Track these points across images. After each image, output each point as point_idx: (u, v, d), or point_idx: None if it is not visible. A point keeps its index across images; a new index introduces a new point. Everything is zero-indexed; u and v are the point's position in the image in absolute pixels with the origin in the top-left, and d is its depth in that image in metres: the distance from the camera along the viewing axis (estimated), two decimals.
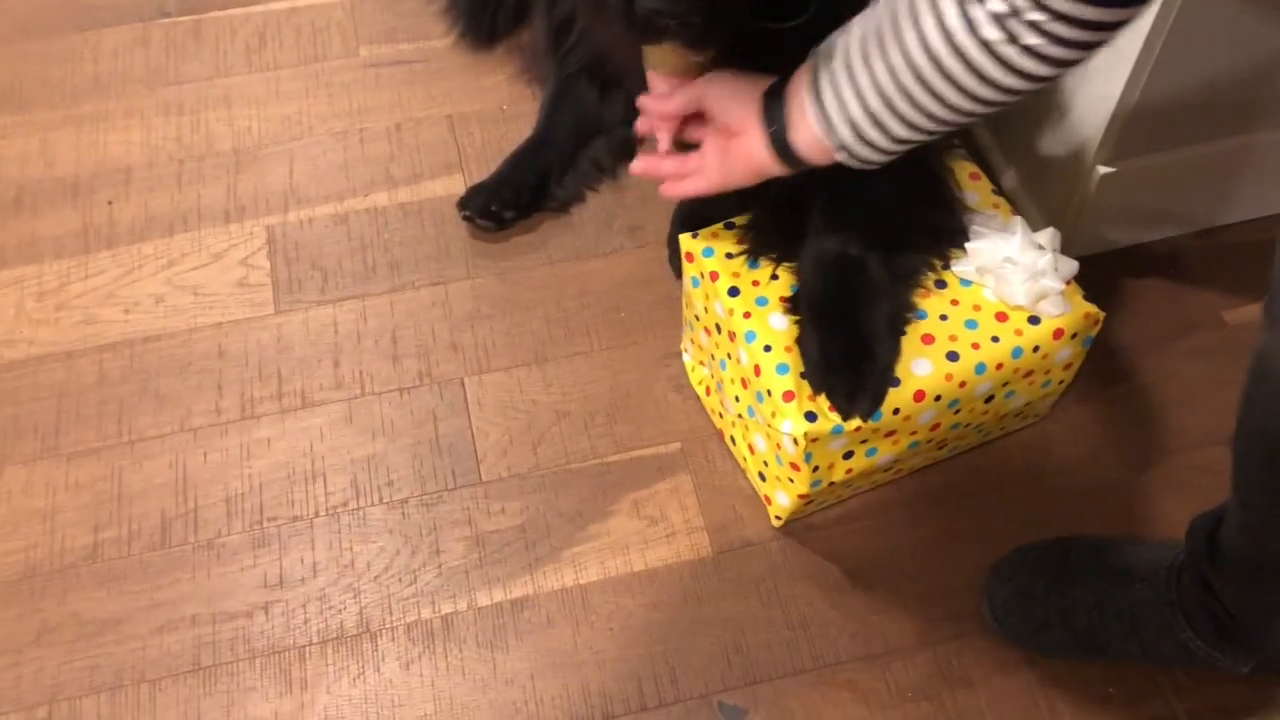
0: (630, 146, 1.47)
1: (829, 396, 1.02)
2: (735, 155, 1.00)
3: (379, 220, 1.42)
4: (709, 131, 1.04)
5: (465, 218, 1.40)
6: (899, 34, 0.82)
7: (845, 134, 0.89)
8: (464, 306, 1.34)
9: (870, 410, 1.02)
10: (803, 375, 1.04)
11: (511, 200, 1.40)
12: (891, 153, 0.91)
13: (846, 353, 1.03)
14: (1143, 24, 1.10)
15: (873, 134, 0.88)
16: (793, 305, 1.09)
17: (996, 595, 1.12)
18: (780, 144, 0.95)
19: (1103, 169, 1.25)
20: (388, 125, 1.51)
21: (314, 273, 1.37)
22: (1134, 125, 1.21)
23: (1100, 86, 1.20)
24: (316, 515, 1.20)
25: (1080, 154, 1.26)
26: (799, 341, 1.06)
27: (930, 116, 0.85)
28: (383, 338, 1.32)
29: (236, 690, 1.09)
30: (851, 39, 0.88)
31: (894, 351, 1.06)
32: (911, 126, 0.87)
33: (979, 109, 0.84)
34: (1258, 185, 1.36)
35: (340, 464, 1.23)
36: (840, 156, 0.92)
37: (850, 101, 0.88)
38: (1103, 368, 1.28)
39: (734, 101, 0.99)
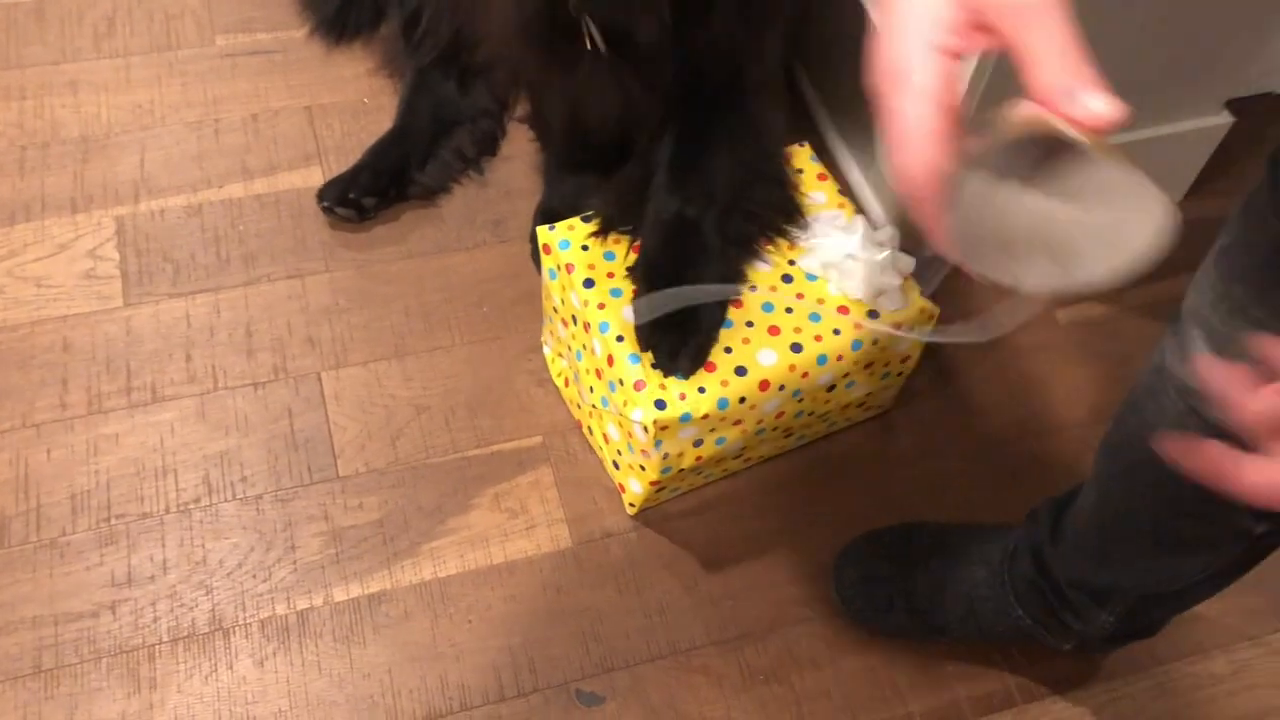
0: (493, 138, 1.48)
1: (653, 354, 1.06)
2: None
3: (234, 212, 1.39)
4: None
5: (324, 208, 1.39)
6: None
7: None
8: (321, 300, 1.33)
9: (691, 369, 1.06)
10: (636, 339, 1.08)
11: (370, 187, 1.39)
12: None
13: (672, 312, 1.06)
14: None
15: None
16: (631, 270, 1.12)
17: (843, 579, 1.17)
18: None
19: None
20: (244, 116, 1.48)
21: (165, 265, 1.34)
22: (970, 133, 1.27)
23: None
24: (167, 512, 1.17)
25: None
26: (633, 299, 1.09)
27: None
28: (237, 331, 1.30)
29: (81, 692, 1.06)
30: None
31: (719, 315, 1.09)
32: None
33: None
34: None
35: (192, 460, 1.20)
36: None
37: None
38: (944, 362, 1.34)
39: None
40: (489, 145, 1.48)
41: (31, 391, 1.23)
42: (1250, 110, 1.58)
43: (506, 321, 1.34)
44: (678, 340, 1.06)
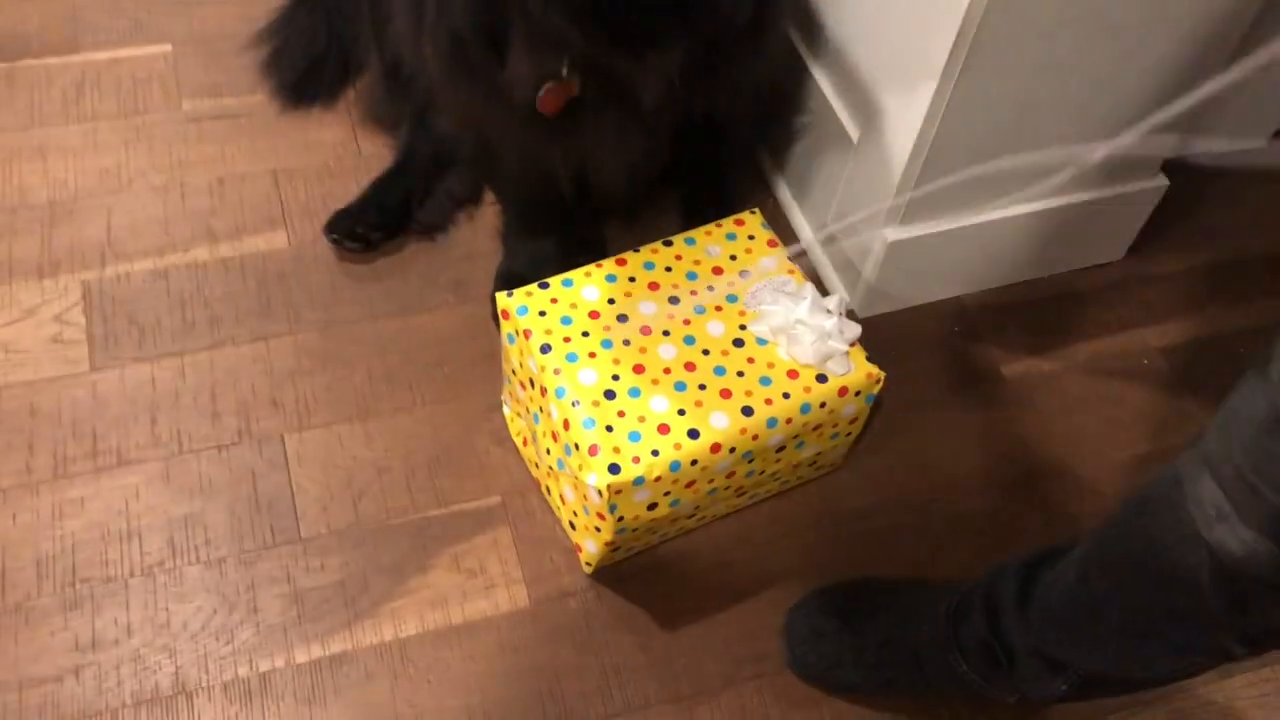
0: (478, 186, 1.53)
1: None
2: None
3: (199, 275, 1.42)
4: None
5: (333, 240, 1.44)
6: None
7: None
8: (285, 362, 1.36)
9: None
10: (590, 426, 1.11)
11: (376, 222, 1.45)
12: None
13: None
14: (920, 106, 1.21)
15: None
16: None
17: (793, 635, 1.20)
18: None
19: (891, 234, 1.36)
20: (210, 179, 1.52)
21: (131, 329, 1.36)
22: (916, 198, 1.32)
23: (885, 164, 1.31)
24: (131, 575, 1.19)
25: (870, 220, 1.37)
26: None
27: None
28: (201, 394, 1.32)
29: None
30: None
31: None
32: None
33: None
34: (1031, 250, 1.49)
35: (156, 523, 1.23)
36: None
37: None
38: (892, 419, 1.38)
39: None
40: (478, 188, 1.54)
41: None
42: (1187, 170, 1.64)
43: (467, 381, 1.37)
44: None
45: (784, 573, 1.26)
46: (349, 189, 1.51)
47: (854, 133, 1.37)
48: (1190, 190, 1.62)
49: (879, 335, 1.44)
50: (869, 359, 1.19)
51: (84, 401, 1.30)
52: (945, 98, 1.19)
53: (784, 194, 1.57)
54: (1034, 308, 1.51)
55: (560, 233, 1.41)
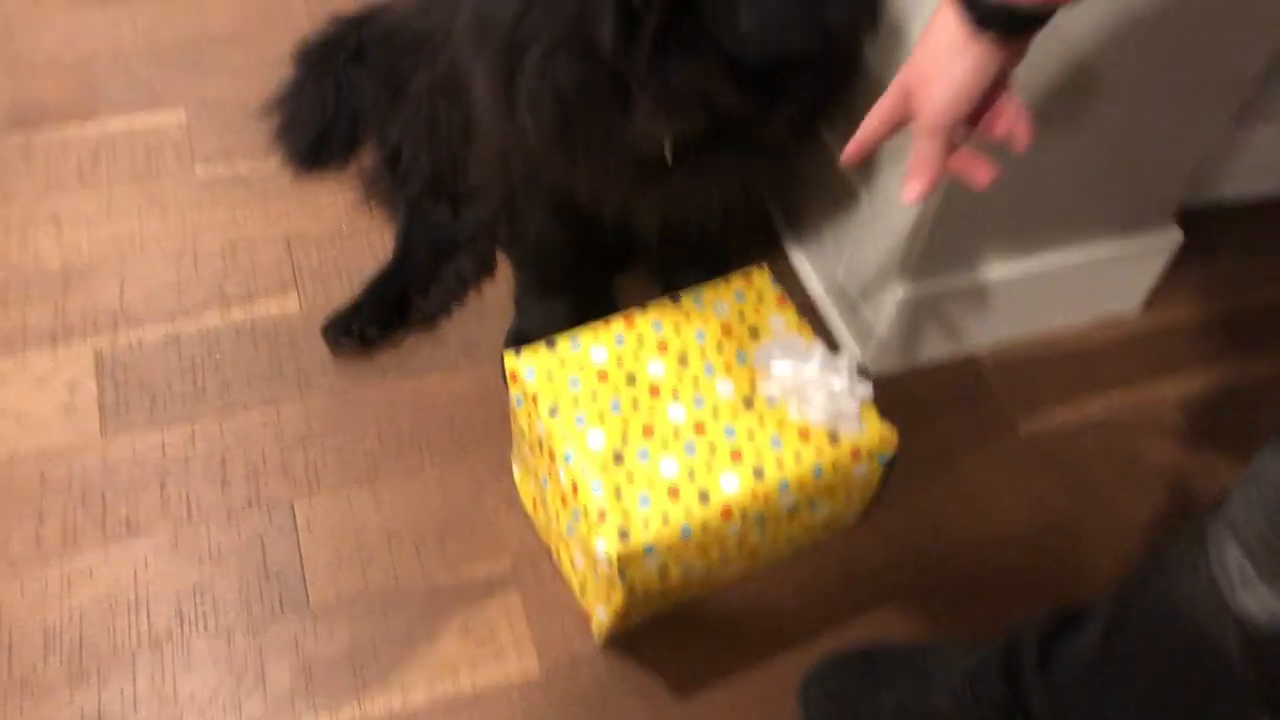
0: (491, 258, 1.53)
1: None
2: (927, 62, 0.89)
3: (210, 340, 1.42)
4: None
5: (330, 341, 1.42)
6: None
7: None
8: (296, 426, 1.36)
9: None
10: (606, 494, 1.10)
11: (372, 317, 1.43)
12: None
13: None
14: None
15: None
16: None
17: (809, 701, 1.17)
18: None
19: (902, 292, 1.35)
20: (222, 244, 1.52)
21: (143, 395, 1.37)
22: (928, 254, 1.31)
23: (896, 220, 1.30)
24: (139, 646, 1.18)
25: (881, 277, 1.36)
26: None
27: None
28: (211, 461, 1.32)
29: None
30: None
31: None
32: None
33: None
34: (1046, 304, 1.48)
35: (165, 592, 1.22)
36: None
37: None
38: (907, 476, 1.36)
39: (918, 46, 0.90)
40: (487, 266, 1.53)
41: (8, 526, 1.25)
42: (1202, 220, 1.63)
43: (478, 442, 1.36)
44: None
45: (799, 635, 1.24)
46: (361, 251, 1.52)
47: (863, 190, 1.36)
48: (1206, 241, 1.62)
49: (893, 391, 1.43)
50: (882, 418, 1.18)
51: (94, 469, 1.30)
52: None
53: (793, 248, 1.56)
54: (1050, 362, 1.50)
55: (574, 291, 1.41)
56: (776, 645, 1.23)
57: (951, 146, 0.92)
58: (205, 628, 1.20)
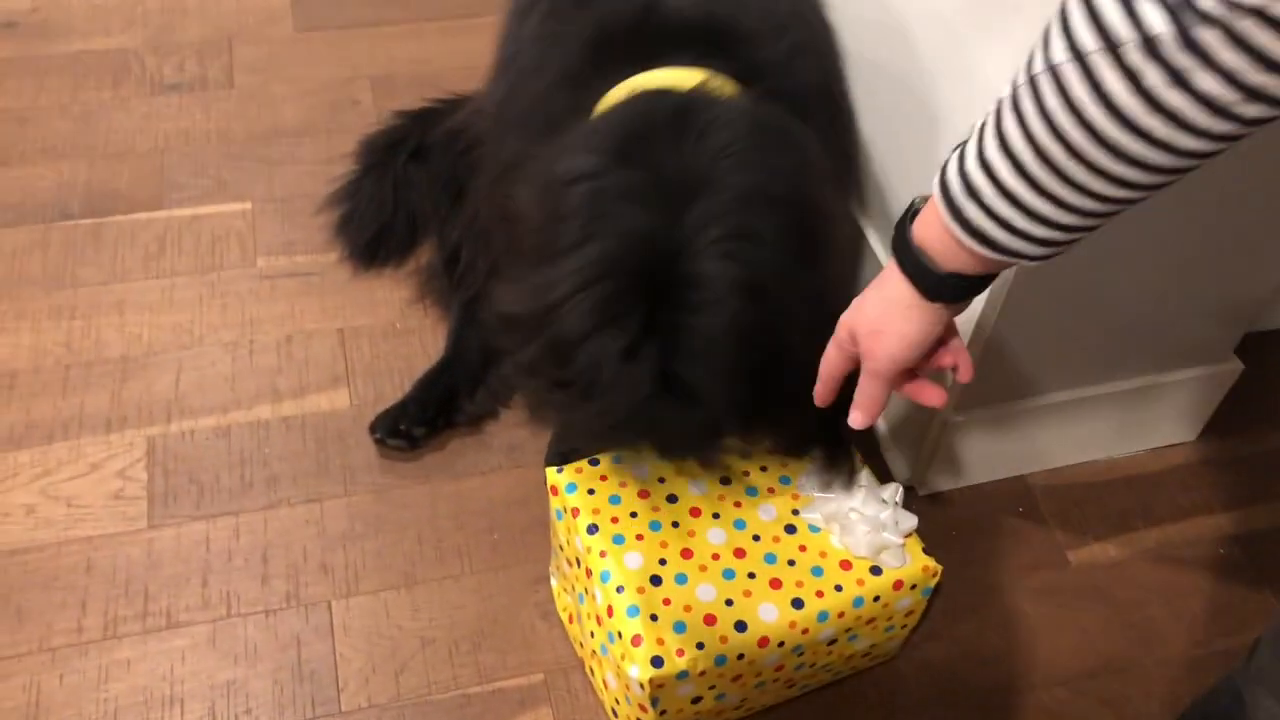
0: None
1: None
2: (877, 319, 0.93)
3: (260, 434, 1.44)
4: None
5: (377, 440, 1.44)
6: (1031, 58, 0.69)
7: (968, 208, 0.77)
8: (338, 525, 1.36)
9: None
10: None
11: (419, 418, 1.44)
12: (1041, 239, 0.75)
13: None
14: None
15: (998, 205, 0.75)
16: None
17: None
18: (904, 249, 0.86)
19: (951, 416, 1.33)
20: (278, 337, 1.55)
21: (191, 486, 1.38)
22: (979, 380, 1.29)
23: None
24: None
25: None
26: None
27: (1070, 180, 0.69)
28: (253, 556, 1.33)
29: None
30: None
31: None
32: (1044, 193, 0.71)
33: (1138, 174, 0.67)
34: (1099, 430, 1.45)
35: (199, 689, 1.22)
36: (974, 244, 0.79)
37: (969, 157, 0.76)
38: (952, 605, 1.34)
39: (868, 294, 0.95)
40: None
41: (51, 613, 1.27)
42: (1264, 347, 1.60)
43: (516, 550, 1.36)
44: None
45: None
46: (413, 348, 1.54)
47: None
48: (1267, 368, 1.58)
49: (939, 515, 1.41)
50: (926, 550, 1.16)
51: (139, 560, 1.32)
52: (1006, 283, 1.18)
53: None
54: (1102, 489, 1.46)
55: None
56: None
57: (898, 384, 0.99)
58: None
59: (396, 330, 1.57)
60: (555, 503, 1.20)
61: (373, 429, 1.44)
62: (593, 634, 1.17)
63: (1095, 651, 1.32)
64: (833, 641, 1.15)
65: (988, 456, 1.42)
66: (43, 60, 1.93)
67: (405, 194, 1.62)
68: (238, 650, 1.25)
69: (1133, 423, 1.46)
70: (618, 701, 1.15)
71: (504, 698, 1.23)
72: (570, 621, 1.27)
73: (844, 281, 1.33)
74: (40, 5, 2.03)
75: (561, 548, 1.23)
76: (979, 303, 1.20)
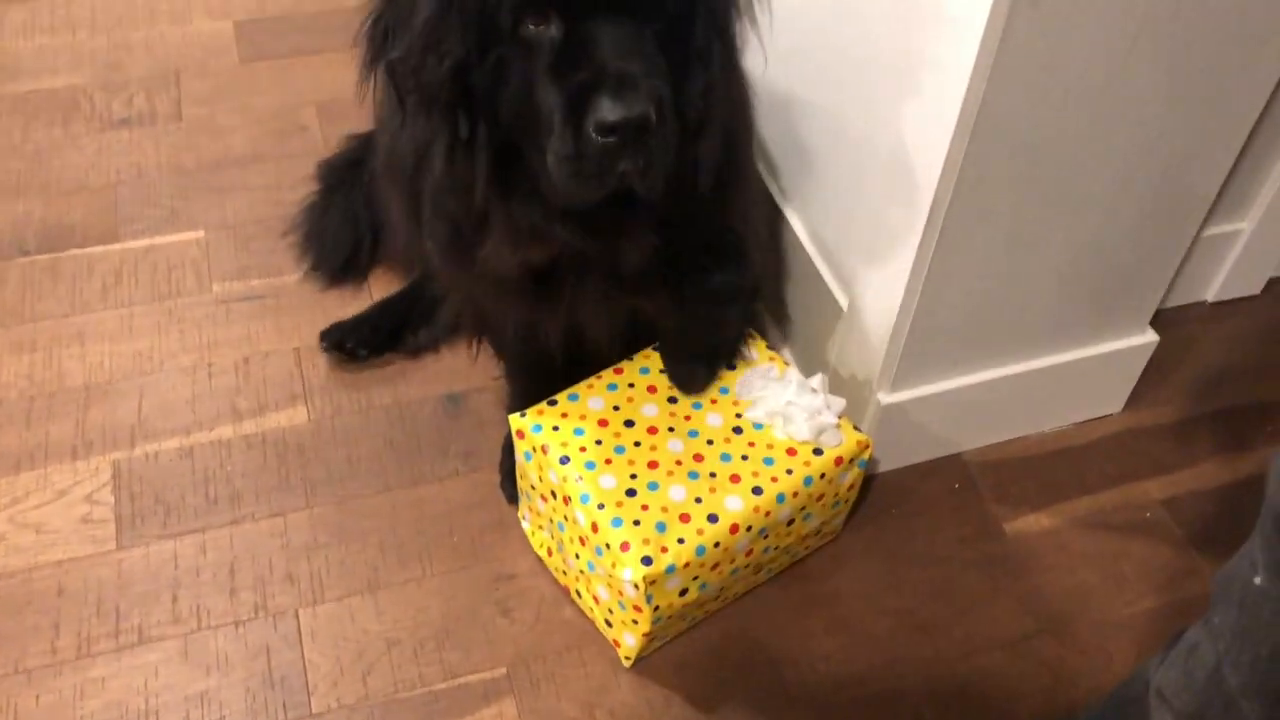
0: None
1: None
2: None
3: (222, 452, 1.49)
4: None
5: (324, 349, 1.58)
6: None
7: None
8: (302, 536, 1.41)
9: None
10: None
11: (367, 338, 1.59)
12: None
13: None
14: (900, 276, 1.26)
15: None
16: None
17: None
18: None
19: (884, 398, 1.40)
20: (236, 359, 1.60)
21: (157, 507, 1.43)
22: (906, 362, 1.36)
23: (874, 330, 1.35)
24: None
25: (866, 385, 1.41)
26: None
27: None
28: (221, 571, 1.37)
29: None
30: None
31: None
32: None
33: None
34: (1027, 406, 1.52)
35: (174, 701, 1.26)
36: None
37: None
38: (894, 579, 1.40)
39: None
40: None
41: (25, 637, 1.31)
42: (1185, 318, 1.68)
43: (476, 550, 1.41)
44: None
45: (799, 651, 1.32)
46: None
47: (843, 300, 1.42)
48: (1188, 338, 1.66)
49: (880, 493, 1.47)
50: (856, 428, 1.32)
51: (109, 580, 1.36)
52: (924, 268, 1.24)
53: (783, 351, 1.62)
54: (1034, 462, 1.53)
55: (555, 378, 1.47)
56: (784, 661, 1.31)
57: None
58: None
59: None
60: (522, 445, 1.30)
61: (321, 339, 1.57)
62: (578, 555, 1.26)
63: (1032, 615, 1.38)
64: (790, 521, 1.28)
65: (923, 436, 1.49)
66: None
67: (371, 212, 1.67)
68: (209, 661, 1.30)
69: (1061, 397, 1.53)
70: (610, 611, 1.25)
71: (469, 692, 1.28)
72: (549, 555, 1.37)
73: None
74: None
75: (533, 487, 1.32)
76: (899, 289, 1.27)
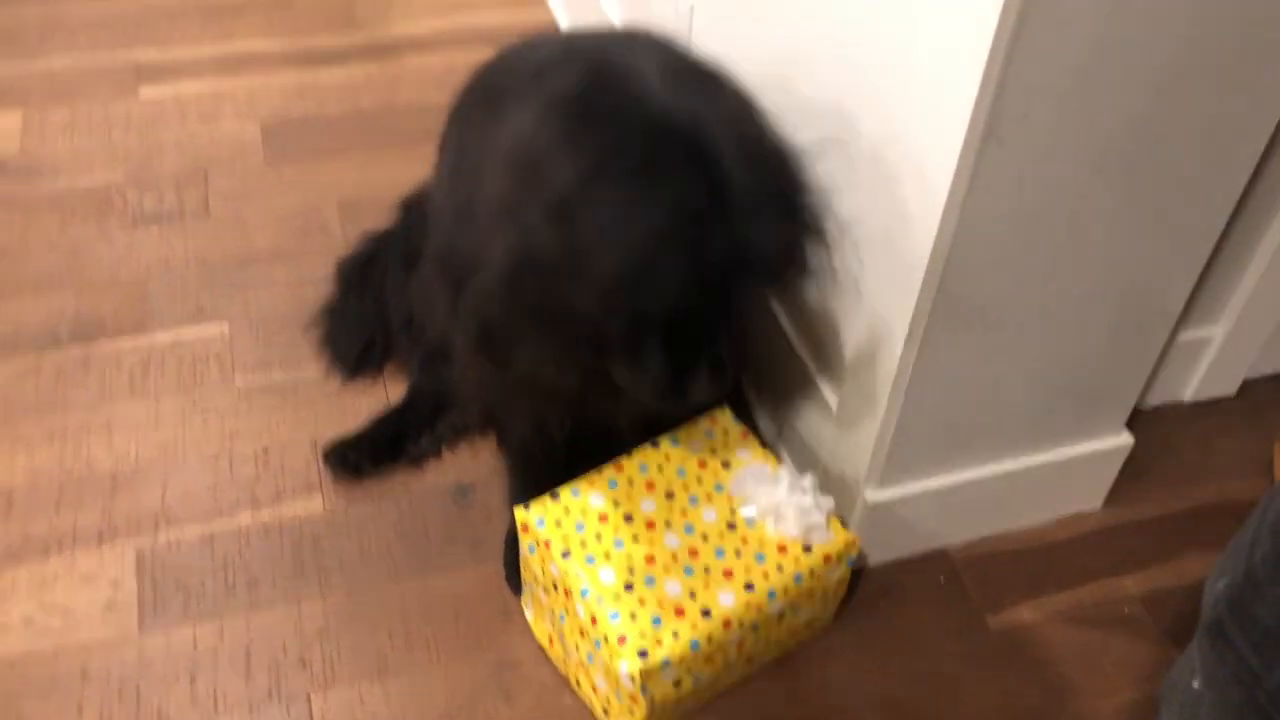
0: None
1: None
2: None
3: (241, 540, 1.56)
4: None
5: (329, 467, 1.64)
6: None
7: None
8: (315, 622, 1.48)
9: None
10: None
11: (368, 452, 1.65)
12: None
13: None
14: (885, 379, 1.34)
15: None
16: None
17: None
18: None
19: (871, 495, 1.47)
20: (256, 449, 1.68)
21: (178, 593, 1.50)
22: (892, 462, 1.44)
23: (862, 431, 1.43)
24: None
25: (854, 483, 1.48)
26: None
27: None
28: (237, 655, 1.44)
29: None
30: None
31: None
32: None
33: None
34: (1009, 503, 1.59)
35: None
36: None
37: None
38: (883, 669, 1.46)
39: None
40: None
41: (51, 718, 1.37)
42: (1162, 417, 1.75)
43: (481, 638, 1.48)
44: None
45: None
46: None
47: (833, 402, 1.50)
48: (1163, 439, 1.73)
49: (869, 586, 1.54)
50: (844, 527, 1.39)
51: (131, 664, 1.43)
52: (907, 375, 1.32)
53: (777, 446, 1.69)
54: (1017, 557, 1.60)
55: (557, 470, 1.52)
56: None
57: None
58: None
59: None
60: (526, 538, 1.37)
61: (325, 457, 1.63)
62: (578, 646, 1.33)
63: (1014, 706, 1.44)
64: (781, 615, 1.34)
65: (910, 532, 1.56)
66: (31, 199, 2.08)
67: (384, 308, 1.76)
68: None
69: (1041, 495, 1.60)
70: (609, 700, 1.31)
71: None
72: (551, 644, 1.43)
73: None
74: (28, 147, 2.18)
75: (536, 579, 1.38)
76: (884, 392, 1.35)
